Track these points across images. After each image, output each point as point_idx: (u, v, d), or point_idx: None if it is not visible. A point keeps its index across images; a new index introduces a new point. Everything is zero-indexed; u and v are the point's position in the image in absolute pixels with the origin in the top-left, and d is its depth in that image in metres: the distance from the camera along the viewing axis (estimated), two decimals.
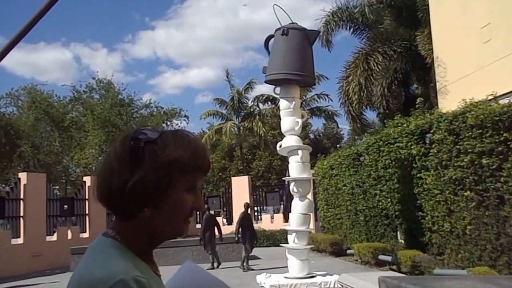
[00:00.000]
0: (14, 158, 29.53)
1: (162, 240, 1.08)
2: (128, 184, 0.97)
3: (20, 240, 14.76)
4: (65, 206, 16.98)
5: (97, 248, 1.01)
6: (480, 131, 7.63)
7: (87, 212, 17.57)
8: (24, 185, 15.09)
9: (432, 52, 13.62)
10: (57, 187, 33.00)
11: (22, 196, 14.98)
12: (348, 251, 13.49)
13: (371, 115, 22.59)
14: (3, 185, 31.97)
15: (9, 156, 29.52)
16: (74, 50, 68.83)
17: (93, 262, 0.97)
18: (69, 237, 16.29)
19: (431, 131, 9.19)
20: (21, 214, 14.87)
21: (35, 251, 14.54)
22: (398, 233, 11.23)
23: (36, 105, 31.73)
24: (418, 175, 9.60)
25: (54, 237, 16.11)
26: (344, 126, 40.76)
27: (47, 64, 64.03)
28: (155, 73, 79.04)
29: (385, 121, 13.20)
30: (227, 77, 29.90)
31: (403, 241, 10.84)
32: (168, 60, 79.00)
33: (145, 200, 0.99)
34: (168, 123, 35.49)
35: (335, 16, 17.52)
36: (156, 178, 0.98)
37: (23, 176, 15.54)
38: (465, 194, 8.08)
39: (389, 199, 11.10)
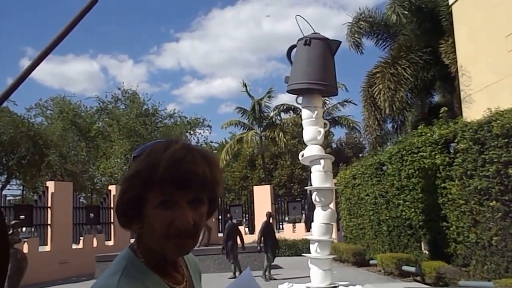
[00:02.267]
0: (42, 167, 30.24)
1: (161, 258, 1.03)
2: (120, 200, 1.02)
3: (47, 248, 15.07)
4: (91, 215, 17.31)
5: (116, 259, 1.05)
6: (506, 140, 7.53)
7: (112, 221, 17.85)
8: (52, 193, 15.43)
9: (456, 61, 13.48)
10: (83, 195, 33.65)
11: (49, 205, 15.33)
12: (371, 261, 13.34)
13: (391, 125, 22.36)
14: (32, 194, 32.80)
15: (38, 165, 30.26)
16: (101, 62, 70.45)
17: (105, 272, 1.02)
18: (95, 245, 16.55)
19: (456, 141, 9.09)
20: (49, 222, 15.22)
21: (61, 259, 14.83)
22: (422, 243, 11.07)
23: (64, 115, 32.54)
24: (442, 185, 9.49)
25: (80, 245, 16.39)
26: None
27: (75, 75, 65.70)
28: (180, 84, 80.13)
29: (409, 130, 13.08)
30: (246, 88, 30.07)
31: (427, 252, 10.69)
32: (192, 70, 80.00)
33: (128, 216, 1.01)
34: (192, 132, 35.93)
35: (361, 22, 17.51)
36: (121, 193, 1.00)
37: (50, 184, 15.91)
38: (491, 204, 7.95)
39: (412, 209, 10.97)
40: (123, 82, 70.53)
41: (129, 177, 0.99)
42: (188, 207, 0.98)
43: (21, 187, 35.08)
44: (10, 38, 64.65)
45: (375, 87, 15.95)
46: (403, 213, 11.45)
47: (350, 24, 17.52)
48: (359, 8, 18.08)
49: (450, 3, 13.52)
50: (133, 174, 0.98)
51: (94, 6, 1.31)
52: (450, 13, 13.81)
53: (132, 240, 1.12)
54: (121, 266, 1.00)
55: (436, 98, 19.04)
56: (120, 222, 1.03)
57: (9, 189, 32.63)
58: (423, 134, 10.62)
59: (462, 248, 8.97)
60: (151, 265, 1.02)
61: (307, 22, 9.39)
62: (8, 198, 18.05)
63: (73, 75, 65.27)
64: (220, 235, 16.94)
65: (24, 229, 17.92)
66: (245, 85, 30.27)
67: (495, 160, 7.74)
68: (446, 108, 11.69)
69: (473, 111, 11.48)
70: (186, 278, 1.12)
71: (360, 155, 33.24)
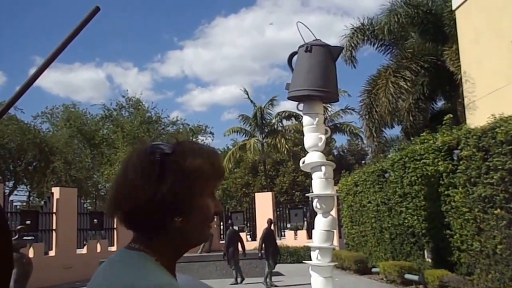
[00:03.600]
0: (48, 173, 30.42)
1: (189, 248, 1.11)
2: (156, 197, 0.99)
3: (52, 253, 15.15)
4: (95, 220, 17.39)
5: (125, 261, 1.00)
6: (511, 147, 7.49)
7: (115, 226, 17.89)
8: (57, 199, 15.55)
9: (460, 68, 13.47)
10: (87, 201, 33.73)
11: (54, 210, 15.42)
12: (373, 269, 13.27)
13: (394, 132, 22.33)
14: (38, 199, 32.91)
15: (43, 171, 30.46)
16: (107, 70, 70.79)
17: (127, 275, 0.95)
18: (98, 250, 16.60)
19: (459, 148, 9.05)
20: (54, 227, 15.30)
21: (66, 263, 14.88)
22: (425, 251, 11.00)
23: (70, 122, 32.76)
24: (446, 192, 9.43)
25: (84, 250, 16.47)
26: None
27: (81, 83, 66.02)
28: (183, 91, 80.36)
29: (411, 137, 13.06)
30: (247, 95, 30.21)
31: (430, 260, 10.61)
32: (195, 78, 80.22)
33: (175, 210, 1.02)
34: (194, 139, 36.00)
35: (359, 32, 17.50)
36: (184, 188, 1.02)
37: (56, 190, 16.02)
38: (495, 212, 7.89)
39: (415, 217, 10.92)
40: (127, 90, 70.90)
41: (191, 171, 1.04)
42: None
43: (27, 193, 35.25)
44: (19, 47, 65.16)
45: (377, 94, 15.95)
46: (406, 221, 11.40)
47: (346, 38, 17.50)
48: (359, 17, 18.14)
49: (453, 8, 13.51)
50: (195, 169, 1.05)
51: (96, 14, 1.33)
52: (454, 19, 13.81)
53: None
54: (150, 265, 0.99)
55: (440, 104, 19.03)
56: (163, 218, 1.01)
57: (16, 194, 32.79)
58: (426, 141, 10.59)
59: (466, 256, 8.90)
60: (164, 265, 1.03)
61: (308, 28, 9.41)
62: (15, 203, 18.19)
63: (79, 83, 65.67)
64: (222, 241, 16.89)
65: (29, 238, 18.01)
66: (246, 92, 30.39)
67: (499, 167, 7.69)
68: (451, 115, 11.67)
69: (477, 117, 11.45)
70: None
71: (363, 162, 33.18)
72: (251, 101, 30.28)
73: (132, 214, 1.02)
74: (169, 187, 1.01)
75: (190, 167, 1.04)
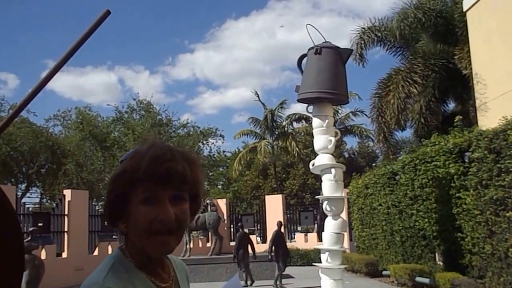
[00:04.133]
0: (60, 176, 30.72)
1: (147, 255, 1.07)
2: (106, 203, 1.09)
3: (64, 255, 15.28)
4: (106, 222, 17.49)
5: (106, 258, 1.11)
6: None
7: None
8: (69, 201, 15.69)
9: (471, 69, 13.36)
10: (99, 203, 34.02)
11: (66, 212, 15.56)
12: (384, 272, 13.20)
13: (404, 134, 22.18)
14: (50, 201, 33.26)
15: (55, 173, 30.76)
16: (119, 73, 71.41)
17: (94, 270, 1.07)
18: (109, 251, 16.66)
19: (470, 150, 8.98)
20: (65, 229, 15.44)
21: (77, 265, 14.98)
22: (436, 254, 10.92)
23: (83, 125, 33.09)
24: (457, 194, 9.36)
25: (95, 252, 16.58)
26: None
27: (94, 86, 66.66)
28: (194, 94, 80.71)
29: (422, 139, 12.97)
30: (258, 98, 30.26)
31: (441, 263, 10.53)
32: (206, 81, 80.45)
33: (112, 216, 1.08)
34: (204, 142, 36.13)
35: (369, 32, 17.42)
36: (107, 193, 1.07)
37: (67, 193, 16.17)
38: (507, 215, 7.80)
39: (426, 220, 10.85)
40: (138, 93, 71.45)
41: (114, 177, 1.06)
42: (169, 203, 1.03)
43: (39, 195, 35.63)
44: (32, 51, 66.03)
45: (387, 97, 15.88)
46: (417, 223, 11.33)
47: (355, 37, 17.43)
48: (369, 19, 18.06)
49: (464, 9, 13.42)
50: (118, 174, 1.05)
51: (107, 18, 1.34)
52: (465, 21, 13.71)
53: None
54: (109, 264, 1.06)
55: (451, 106, 18.88)
56: (108, 221, 1.09)
57: (28, 197, 33.20)
58: (437, 143, 10.52)
59: (477, 259, 8.82)
60: (138, 264, 1.07)
61: (318, 31, 9.42)
62: (27, 206, 18.41)
63: (91, 86, 66.32)
64: (232, 243, 16.92)
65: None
66: (257, 94, 30.43)
67: (511, 169, 7.63)
68: (461, 117, 11.57)
69: (489, 119, 11.34)
70: (172, 278, 1.17)
71: (373, 164, 33.02)
72: (262, 103, 30.34)
73: None
74: (109, 191, 1.07)
75: (115, 173, 1.07)
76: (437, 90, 16.43)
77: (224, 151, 41.91)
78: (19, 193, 28.84)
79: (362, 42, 17.23)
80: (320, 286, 8.97)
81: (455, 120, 10.97)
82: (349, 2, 76.80)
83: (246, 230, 14.18)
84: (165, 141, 1.13)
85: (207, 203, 16.38)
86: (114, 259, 1.07)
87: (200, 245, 19.86)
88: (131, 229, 1.05)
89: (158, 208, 1.02)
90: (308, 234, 21.03)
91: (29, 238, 10.24)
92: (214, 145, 37.58)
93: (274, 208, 20.59)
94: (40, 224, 14.31)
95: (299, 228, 23.46)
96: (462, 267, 9.25)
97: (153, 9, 73.27)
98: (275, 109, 29.50)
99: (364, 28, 17.28)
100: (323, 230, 9.09)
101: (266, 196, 23.11)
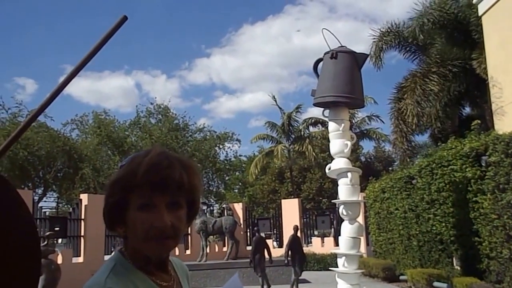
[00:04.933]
0: (77, 180, 31.09)
1: (147, 257, 1.09)
2: (106, 208, 1.11)
3: (80, 259, 15.41)
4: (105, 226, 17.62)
5: (107, 260, 1.14)
6: None
7: None
8: (85, 205, 15.82)
9: (487, 73, 13.23)
10: None
11: (83, 216, 15.73)
12: (401, 277, 13.08)
13: (421, 138, 21.97)
14: (67, 206, 33.70)
15: (72, 178, 31.15)
16: (136, 77, 72.33)
17: (96, 272, 1.11)
18: None
19: (487, 153, 8.89)
20: (82, 233, 15.60)
21: (93, 270, 14.99)
22: (454, 259, 10.80)
23: (100, 129, 33.50)
24: (474, 199, 9.27)
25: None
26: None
27: (111, 91, 67.67)
28: (211, 98, 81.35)
29: (438, 143, 12.85)
30: (275, 102, 30.28)
31: (459, 268, 10.41)
32: (223, 85, 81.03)
33: (110, 220, 1.11)
34: (221, 146, 36.26)
35: (386, 35, 17.35)
36: (105, 199, 1.10)
37: (84, 197, 16.31)
38: None
39: (443, 224, 10.74)
40: (155, 97, 72.14)
41: (112, 183, 1.08)
42: (166, 210, 1.05)
43: (56, 200, 36.12)
44: (50, 56, 67.26)
45: (404, 101, 15.78)
46: (434, 228, 11.22)
47: (373, 41, 17.38)
48: (386, 22, 17.97)
49: (480, 14, 13.32)
50: (115, 180, 1.08)
51: (124, 23, 1.35)
52: (481, 24, 13.60)
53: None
54: (110, 266, 1.09)
55: (468, 110, 18.68)
56: (106, 225, 1.12)
57: (45, 201, 33.63)
58: (454, 147, 10.43)
59: (495, 264, 8.72)
60: (138, 265, 1.10)
61: (334, 35, 9.44)
62: (44, 210, 18.63)
63: (108, 91, 67.29)
64: (248, 248, 16.93)
65: (60, 240, 18.42)
66: (274, 98, 30.44)
67: None
68: (479, 121, 11.45)
69: (505, 123, 11.22)
70: (174, 278, 1.20)
71: (390, 168, 32.74)
72: (279, 107, 30.35)
73: None
74: (106, 197, 1.10)
75: (112, 179, 1.09)
76: (453, 94, 16.29)
77: (240, 156, 42.03)
78: (36, 198, 29.29)
79: (381, 45, 17.19)
80: None
81: (473, 124, 10.86)
82: (366, 6, 76.69)
83: (262, 235, 14.17)
84: (164, 148, 1.14)
85: (223, 208, 16.45)
86: (115, 261, 1.10)
87: (217, 249, 19.93)
88: (129, 233, 1.09)
89: (154, 215, 1.04)
90: (325, 238, 20.94)
91: (46, 242, 10.33)
92: (231, 150, 37.70)
93: (291, 212, 20.56)
94: (56, 229, 14.44)
95: (315, 233, 23.36)
96: (480, 272, 9.14)
97: (169, 14, 74.19)
98: (291, 113, 29.50)
99: (382, 31, 17.24)
100: (339, 235, 9.06)
101: (283, 200, 23.09)
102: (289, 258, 12.06)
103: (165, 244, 1.07)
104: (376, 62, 17.21)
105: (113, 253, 1.17)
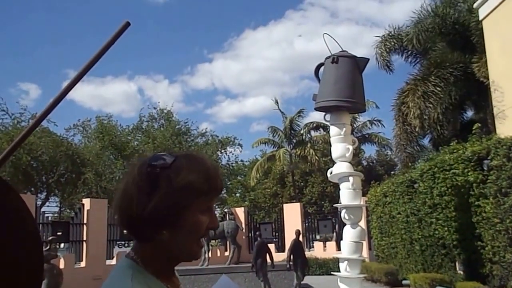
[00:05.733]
0: (79, 185, 31.13)
1: (176, 262, 1.14)
2: (146, 210, 1.04)
3: (82, 264, 15.40)
4: (124, 231, 17.60)
5: (117, 268, 1.11)
6: None
7: None
8: (88, 210, 15.82)
9: (489, 77, 13.25)
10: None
11: (85, 221, 15.72)
12: (404, 282, 13.02)
13: (422, 142, 21.98)
14: (69, 210, 33.72)
15: (75, 182, 31.19)
16: (138, 82, 72.51)
17: (109, 280, 1.08)
18: None
19: (489, 157, 8.89)
20: (84, 238, 15.60)
21: (95, 275, 15.09)
22: (457, 263, 10.77)
23: (103, 134, 33.57)
24: (476, 203, 9.25)
25: (113, 261, 16.61)
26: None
27: (113, 96, 67.82)
28: (213, 103, 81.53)
29: (440, 147, 12.86)
30: (277, 106, 30.33)
31: (462, 272, 10.38)
32: (225, 90, 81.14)
33: (162, 224, 1.06)
34: (222, 151, 36.30)
35: (388, 41, 17.41)
36: (171, 203, 1.04)
37: (86, 202, 16.31)
38: None
39: (446, 228, 10.72)
40: (158, 102, 72.22)
41: (183, 187, 1.05)
42: None
43: (59, 204, 36.14)
44: (54, 61, 67.53)
45: (406, 104, 15.80)
46: (436, 232, 11.20)
47: (377, 44, 17.47)
48: (388, 26, 18.04)
49: (480, 18, 13.36)
50: (187, 184, 1.06)
51: (126, 29, 1.35)
52: (481, 29, 13.63)
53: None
54: (129, 273, 1.07)
55: (469, 114, 18.70)
56: (151, 227, 1.06)
57: (48, 206, 33.69)
58: (455, 151, 10.42)
59: (498, 268, 8.69)
60: (153, 271, 1.10)
61: (335, 40, 9.47)
62: (46, 215, 18.65)
63: (111, 96, 67.46)
64: (250, 253, 16.90)
65: (62, 245, 18.42)
66: (277, 103, 30.45)
67: None
68: (479, 125, 11.46)
69: (507, 127, 11.22)
70: (180, 284, 1.22)
71: (392, 172, 32.72)
72: (281, 112, 30.38)
73: (128, 224, 1.10)
74: (158, 200, 1.04)
75: (181, 182, 1.05)
76: (454, 98, 16.30)
77: (242, 160, 42.04)
78: (39, 202, 29.32)
79: (384, 49, 17.27)
80: None
81: (474, 128, 10.86)
82: (367, 11, 76.89)
83: (264, 239, 14.15)
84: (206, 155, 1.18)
85: (225, 212, 16.42)
86: (131, 269, 1.08)
87: (218, 254, 19.89)
88: (179, 236, 1.08)
89: (211, 217, 1.12)
90: (327, 243, 20.90)
91: (48, 247, 10.33)
92: (232, 154, 37.73)
93: (292, 216, 20.53)
94: (59, 233, 14.46)
95: (317, 237, 23.31)
96: (483, 277, 9.12)
97: (172, 19, 74.49)
98: (293, 118, 29.54)
99: (384, 36, 17.32)
100: (341, 239, 9.05)
101: (284, 205, 23.06)
102: (291, 263, 12.06)
103: (201, 245, 1.14)
104: (384, 67, 17.36)
105: (122, 260, 1.13)
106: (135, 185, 1.08)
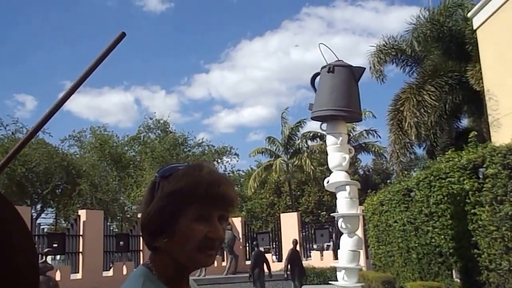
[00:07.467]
0: (74, 196, 30.94)
1: (183, 269, 1.13)
2: (146, 218, 1.09)
3: (78, 275, 15.28)
4: (121, 242, 17.51)
5: (131, 276, 1.13)
6: None
7: (141, 248, 18.02)
8: (83, 222, 15.74)
9: (483, 85, 13.35)
10: (114, 223, 34.17)
11: (81, 233, 15.63)
12: None
13: (418, 150, 22.05)
14: (65, 222, 33.49)
15: (70, 194, 31.00)
16: (135, 93, 72.46)
17: (123, 286, 1.10)
18: (124, 272, 16.62)
19: (484, 166, 8.92)
20: (80, 249, 15.50)
21: (92, 286, 15.01)
22: (453, 271, 10.76)
23: (101, 144, 33.47)
24: (472, 211, 9.27)
25: (110, 272, 16.52)
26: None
27: (110, 107, 67.61)
28: (210, 113, 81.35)
29: (435, 155, 12.91)
30: (282, 117, 30.42)
31: (458, 280, 10.37)
32: (222, 100, 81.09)
33: (156, 231, 1.09)
34: (219, 161, 36.25)
35: (384, 49, 17.54)
36: (159, 209, 1.08)
37: (82, 213, 16.25)
38: None
39: (442, 236, 10.73)
40: (155, 112, 72.20)
41: (170, 193, 1.08)
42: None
43: (54, 216, 35.90)
44: (49, 72, 67.47)
45: (401, 113, 15.88)
46: (433, 240, 11.20)
47: (372, 54, 17.60)
48: (382, 36, 18.20)
49: (474, 28, 13.50)
50: (174, 190, 1.08)
51: (122, 40, 1.35)
52: (476, 37, 13.76)
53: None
54: (140, 281, 1.09)
55: (465, 122, 18.80)
56: (149, 236, 1.11)
57: (43, 217, 33.41)
58: (451, 159, 10.46)
59: (495, 276, 8.69)
60: (165, 280, 1.11)
61: (331, 49, 9.55)
62: (42, 226, 18.51)
63: (108, 107, 67.24)
64: (248, 262, 16.83)
65: (58, 257, 18.29)
66: (283, 115, 30.52)
67: None
68: (475, 133, 11.51)
69: (501, 135, 11.29)
70: None
71: (388, 181, 32.75)
72: (283, 121, 30.43)
73: (142, 233, 1.14)
74: (151, 208, 1.09)
75: (168, 189, 1.08)
76: (449, 106, 16.41)
77: (238, 170, 41.99)
78: (34, 214, 29.08)
79: (379, 59, 17.40)
80: None
81: (470, 136, 10.91)
82: (363, 21, 77.12)
83: (261, 249, 14.11)
84: (213, 165, 1.19)
85: None
86: (143, 277, 1.10)
87: (216, 264, 19.79)
88: (175, 244, 1.09)
89: (209, 226, 1.09)
90: (324, 252, 20.84)
91: (44, 259, 10.24)
92: (229, 164, 37.69)
93: (290, 226, 20.49)
94: (55, 245, 14.36)
95: (314, 246, 23.24)
96: (480, 284, 9.11)
97: (168, 30, 74.59)
98: (293, 127, 29.62)
99: (379, 46, 17.46)
100: (339, 248, 9.04)
101: (281, 214, 23.03)
102: (288, 272, 12.02)
103: (212, 256, 1.11)
104: (377, 77, 17.44)
105: (138, 268, 1.15)
106: (144, 196, 1.14)
